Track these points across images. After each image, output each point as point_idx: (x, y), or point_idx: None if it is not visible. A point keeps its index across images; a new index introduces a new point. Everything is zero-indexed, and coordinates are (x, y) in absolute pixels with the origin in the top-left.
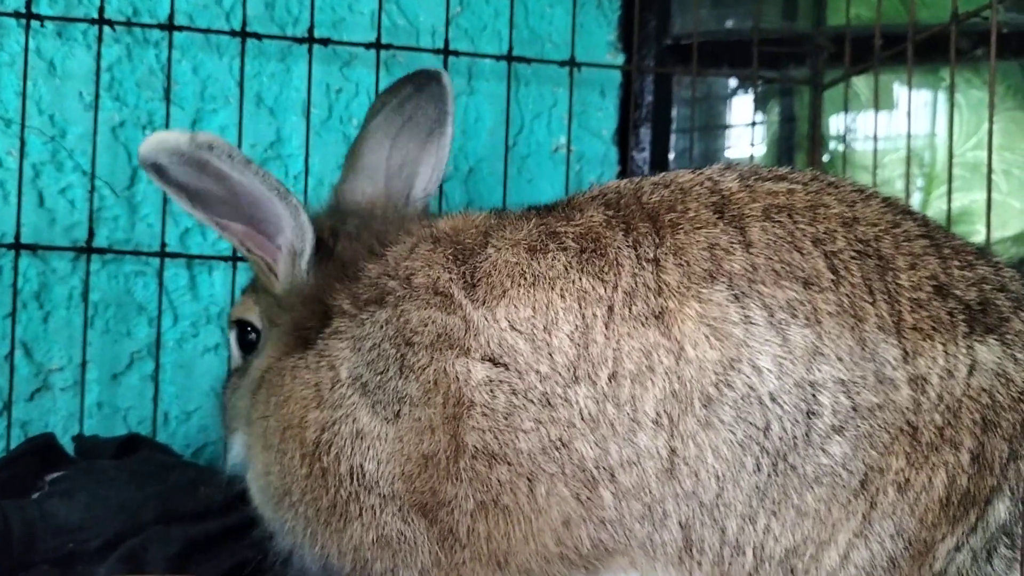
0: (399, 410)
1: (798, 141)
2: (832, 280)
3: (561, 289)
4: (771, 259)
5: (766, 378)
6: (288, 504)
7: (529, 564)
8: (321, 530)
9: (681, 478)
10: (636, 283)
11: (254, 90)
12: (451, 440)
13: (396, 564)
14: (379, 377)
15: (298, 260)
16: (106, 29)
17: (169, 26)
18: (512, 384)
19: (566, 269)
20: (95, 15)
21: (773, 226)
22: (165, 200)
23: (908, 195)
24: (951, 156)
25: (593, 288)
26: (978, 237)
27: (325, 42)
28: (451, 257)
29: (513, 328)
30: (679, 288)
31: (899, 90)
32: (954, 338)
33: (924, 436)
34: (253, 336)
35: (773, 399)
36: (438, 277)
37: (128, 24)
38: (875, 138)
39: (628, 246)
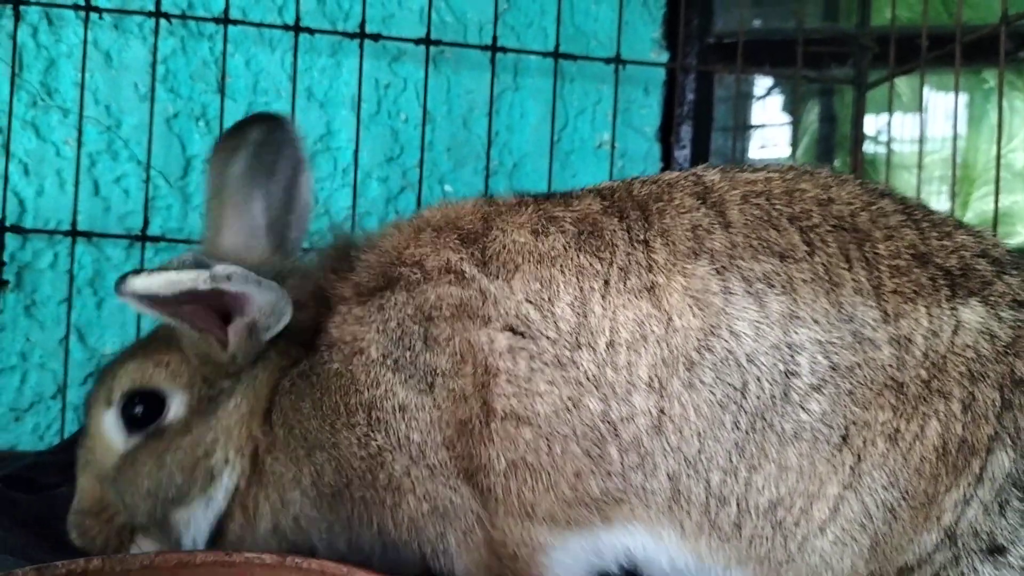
0: (432, 382)
1: (838, 141)
2: (807, 252)
3: (562, 266)
4: (749, 237)
5: (743, 341)
6: (347, 497)
7: (553, 510)
8: (377, 510)
9: (668, 434)
10: (630, 261)
11: (305, 84)
12: (483, 406)
13: (445, 528)
14: (408, 352)
15: (259, 333)
16: (162, 22)
17: (224, 20)
18: (529, 350)
19: (565, 248)
20: (151, 8)
21: (751, 208)
22: None
23: (953, 196)
24: (999, 158)
25: (591, 264)
26: (1019, 239)
27: (376, 37)
28: (458, 241)
29: (527, 300)
30: (666, 265)
31: (938, 92)
32: (937, 301)
33: (910, 390)
34: (140, 409)
35: (750, 360)
36: (448, 258)
37: (183, 17)
38: (921, 139)
39: (623, 230)
